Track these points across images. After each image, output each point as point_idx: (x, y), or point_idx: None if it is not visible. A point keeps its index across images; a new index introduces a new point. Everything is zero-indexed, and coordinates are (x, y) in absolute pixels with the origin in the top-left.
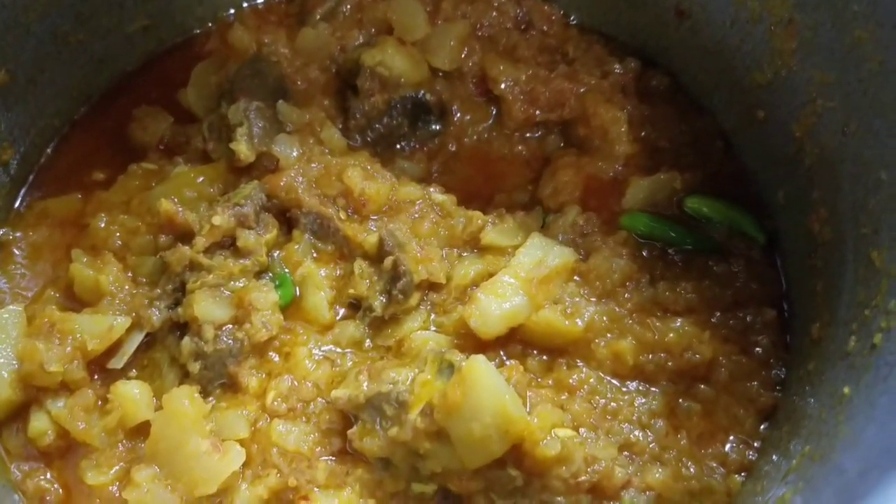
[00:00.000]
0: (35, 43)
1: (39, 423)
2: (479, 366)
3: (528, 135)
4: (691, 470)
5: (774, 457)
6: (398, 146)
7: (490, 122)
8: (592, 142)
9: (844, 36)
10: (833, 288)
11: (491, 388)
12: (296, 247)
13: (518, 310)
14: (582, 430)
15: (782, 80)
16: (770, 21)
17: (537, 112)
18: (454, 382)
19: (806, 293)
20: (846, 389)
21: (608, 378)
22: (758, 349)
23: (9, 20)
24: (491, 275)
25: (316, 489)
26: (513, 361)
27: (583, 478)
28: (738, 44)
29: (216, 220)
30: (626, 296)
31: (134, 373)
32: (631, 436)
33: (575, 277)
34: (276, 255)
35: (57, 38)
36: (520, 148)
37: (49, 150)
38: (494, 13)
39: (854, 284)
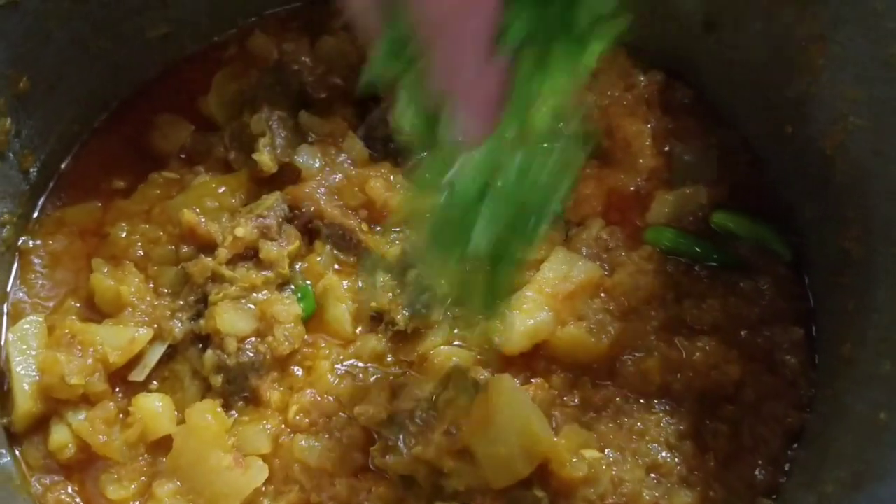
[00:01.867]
0: (56, 50)
1: (60, 436)
2: (506, 385)
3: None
4: (719, 493)
5: (805, 480)
6: (420, 156)
7: None
8: (615, 154)
9: (878, 53)
10: (864, 308)
11: (517, 408)
12: (318, 258)
13: (543, 326)
14: (608, 450)
15: (812, 96)
16: (801, 36)
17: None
18: (480, 401)
19: (835, 312)
20: (882, 415)
21: (634, 397)
22: (785, 369)
23: (31, 27)
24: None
25: None
26: (537, 379)
27: (610, 500)
28: (766, 58)
29: (239, 231)
30: (651, 313)
31: (155, 385)
32: (658, 457)
33: (600, 293)
34: (297, 266)
35: (78, 44)
36: None
37: (69, 158)
38: None
39: (887, 305)
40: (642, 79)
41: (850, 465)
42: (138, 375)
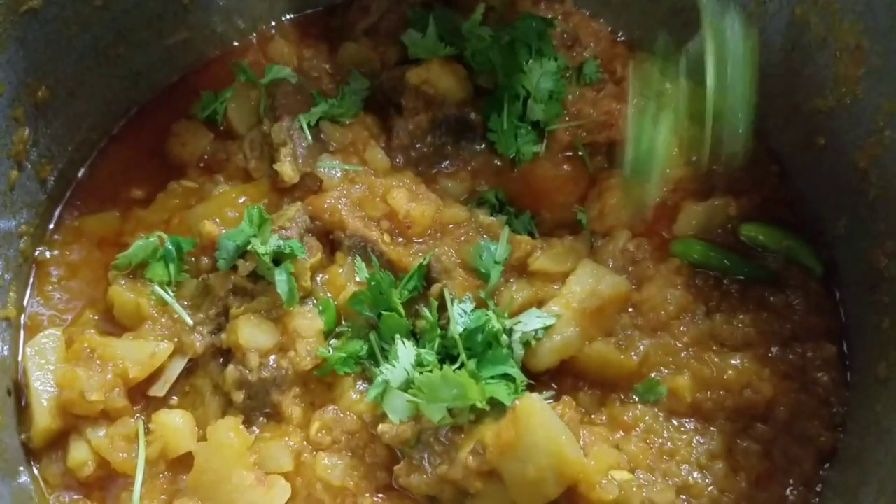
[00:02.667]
0: (76, 57)
1: (79, 454)
2: (534, 405)
3: (571, 154)
4: None
5: (840, 503)
6: (442, 165)
7: None
8: None
9: None
10: None
11: (546, 429)
12: (339, 270)
13: (570, 342)
14: (638, 471)
15: (846, 108)
16: (835, 46)
17: (584, 133)
18: (508, 421)
19: (869, 329)
20: None
21: (664, 415)
22: (818, 386)
23: (51, 35)
24: (540, 301)
25: None
26: (565, 397)
27: None
28: (798, 68)
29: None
30: (681, 328)
31: (175, 400)
32: (689, 478)
33: (628, 308)
34: (318, 278)
35: (97, 51)
36: (566, 167)
37: (86, 167)
38: None
39: None
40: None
41: (892, 493)
42: (159, 391)
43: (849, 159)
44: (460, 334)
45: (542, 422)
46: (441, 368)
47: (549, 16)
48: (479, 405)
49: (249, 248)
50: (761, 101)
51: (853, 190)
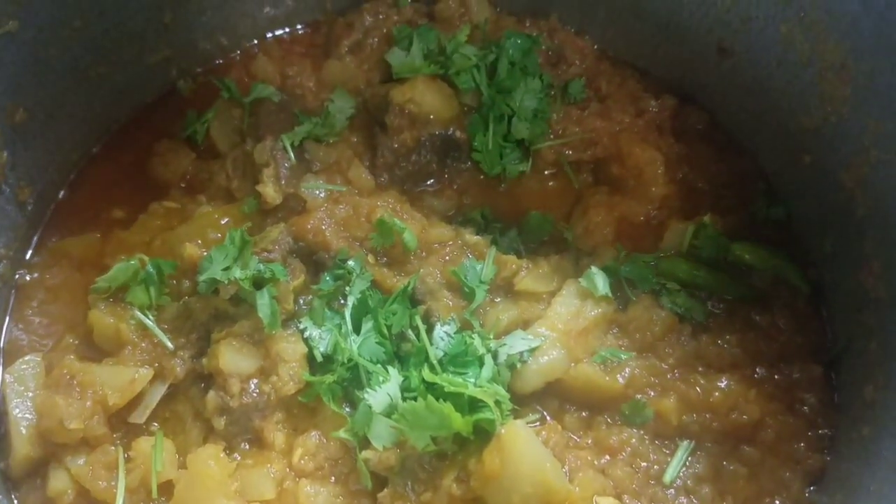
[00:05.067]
0: (55, 78)
1: (58, 482)
2: (519, 432)
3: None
4: None
5: None
6: (426, 183)
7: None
8: (627, 182)
9: None
10: (888, 348)
11: (531, 457)
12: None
13: (555, 364)
14: (625, 496)
15: (832, 127)
16: (821, 65)
17: (569, 152)
18: (493, 449)
19: (856, 351)
20: None
21: (650, 438)
22: (805, 407)
23: (28, 57)
24: (525, 321)
25: None
26: (551, 421)
27: None
28: (784, 86)
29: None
30: (667, 349)
31: (156, 426)
32: (676, 502)
33: (613, 329)
34: (301, 301)
35: (77, 71)
36: (551, 184)
37: (66, 187)
38: None
39: None
40: (653, 103)
41: None
42: (139, 417)
43: (835, 178)
44: (440, 359)
45: (526, 450)
46: (426, 396)
47: (534, 33)
48: (464, 434)
49: (229, 273)
50: (747, 118)
51: (840, 209)
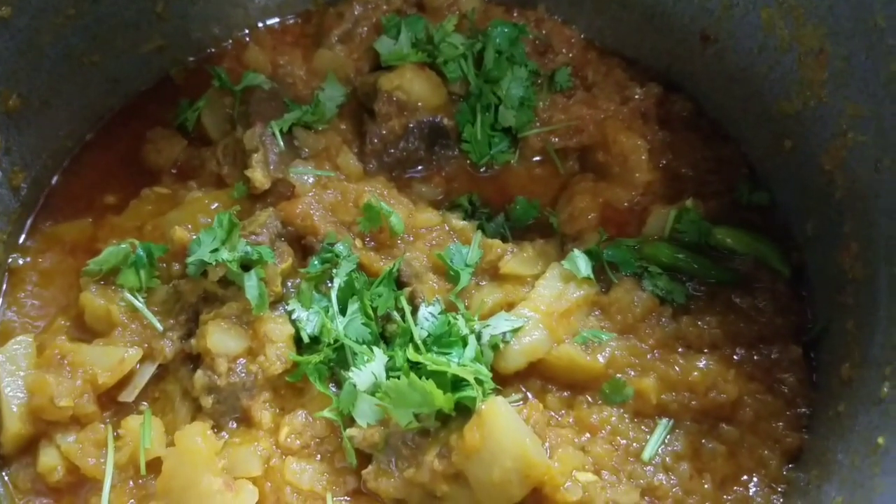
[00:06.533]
0: (49, 65)
1: (49, 459)
2: (499, 408)
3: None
4: None
5: (802, 502)
6: (415, 170)
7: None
8: (611, 168)
9: (879, 69)
10: (865, 327)
11: (511, 432)
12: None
13: (538, 344)
14: (604, 472)
15: (811, 111)
16: (800, 50)
17: (555, 139)
18: (473, 425)
19: (834, 331)
20: (880, 439)
21: (630, 416)
22: (783, 387)
23: (22, 44)
24: (510, 304)
25: None
26: (532, 399)
27: None
28: (765, 71)
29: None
30: (647, 331)
31: (145, 405)
32: (654, 479)
33: (595, 311)
34: (289, 284)
35: (71, 59)
36: (537, 171)
37: (59, 173)
38: None
39: (888, 326)
40: (638, 91)
41: (853, 490)
42: (128, 396)
43: (815, 162)
44: (424, 339)
45: (506, 425)
46: (409, 374)
47: (521, 22)
48: (446, 411)
49: (217, 255)
50: (731, 105)
51: (820, 192)
